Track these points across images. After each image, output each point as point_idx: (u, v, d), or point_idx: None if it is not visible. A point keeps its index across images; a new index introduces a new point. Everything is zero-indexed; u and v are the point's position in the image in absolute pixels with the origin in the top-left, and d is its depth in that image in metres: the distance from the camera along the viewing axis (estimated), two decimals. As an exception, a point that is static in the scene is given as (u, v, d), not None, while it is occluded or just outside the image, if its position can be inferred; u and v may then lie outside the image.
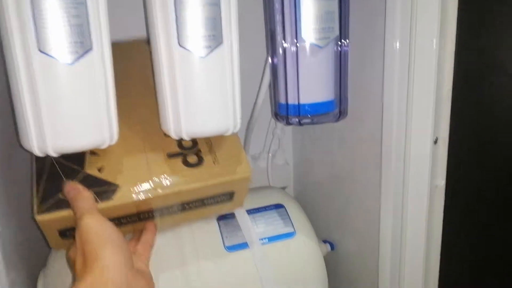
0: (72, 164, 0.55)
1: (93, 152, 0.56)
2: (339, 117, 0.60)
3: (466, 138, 0.56)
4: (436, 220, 0.58)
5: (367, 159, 0.67)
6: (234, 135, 0.60)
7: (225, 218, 0.69)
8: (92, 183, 0.54)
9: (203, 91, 0.50)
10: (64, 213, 0.51)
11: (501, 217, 0.54)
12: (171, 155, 0.58)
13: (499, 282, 0.56)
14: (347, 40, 0.58)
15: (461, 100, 0.54)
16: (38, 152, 0.47)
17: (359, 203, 0.73)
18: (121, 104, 0.52)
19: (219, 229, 0.67)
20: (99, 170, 0.56)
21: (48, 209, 0.51)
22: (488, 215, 0.56)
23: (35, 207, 0.51)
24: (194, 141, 0.60)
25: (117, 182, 0.55)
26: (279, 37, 0.55)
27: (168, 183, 0.56)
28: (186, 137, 0.52)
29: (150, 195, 0.54)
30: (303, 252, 0.68)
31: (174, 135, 0.53)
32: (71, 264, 0.48)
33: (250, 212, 0.70)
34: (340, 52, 0.57)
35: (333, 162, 0.78)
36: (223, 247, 0.64)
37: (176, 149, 0.59)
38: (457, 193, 0.57)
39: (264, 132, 0.86)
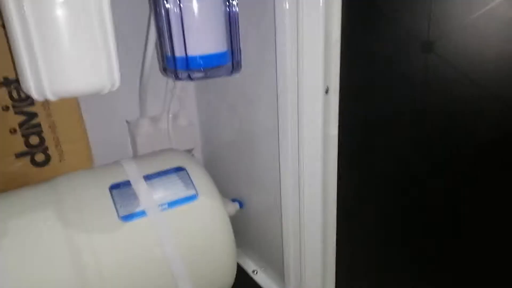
0: None
1: None
2: (232, 70, 0.56)
3: (358, 88, 0.57)
4: (331, 170, 0.59)
5: (266, 113, 0.65)
6: (80, 124, 0.69)
7: (119, 187, 0.63)
8: None
9: (66, 40, 0.42)
10: None
11: (392, 164, 0.57)
12: (19, 155, 0.64)
13: (388, 220, 0.60)
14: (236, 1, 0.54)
15: (351, 50, 0.54)
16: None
17: (262, 159, 0.72)
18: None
19: (112, 198, 0.61)
20: None
21: None
22: (379, 162, 0.59)
23: None
24: (42, 139, 0.66)
25: None
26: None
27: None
28: (51, 97, 0.45)
29: None
30: (207, 214, 0.66)
31: (37, 95, 0.45)
32: None
33: (147, 177, 0.65)
34: (229, 3, 0.52)
35: (237, 120, 0.76)
36: (117, 217, 0.59)
37: (23, 148, 0.64)
38: (349, 142, 0.59)
39: (163, 91, 0.80)
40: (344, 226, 0.65)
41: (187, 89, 0.82)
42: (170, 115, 0.80)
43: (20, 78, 0.46)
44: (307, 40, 0.51)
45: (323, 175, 0.59)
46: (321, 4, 0.49)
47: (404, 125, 0.56)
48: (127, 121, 0.81)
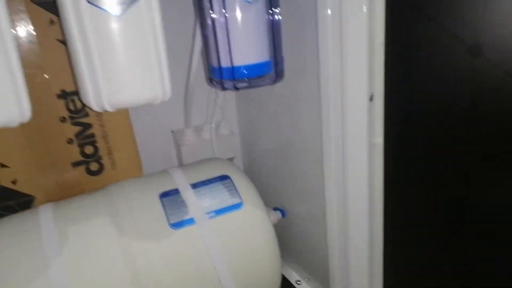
0: None
1: (3, 165, 0.62)
2: (275, 79, 0.57)
3: (402, 94, 0.56)
4: (376, 178, 0.58)
5: (308, 122, 0.66)
6: (130, 134, 0.72)
7: (168, 195, 0.65)
8: (9, 195, 0.64)
9: (123, 55, 0.45)
10: None
11: (439, 171, 0.55)
12: (75, 164, 0.68)
13: (438, 230, 0.58)
14: (278, 8, 0.55)
15: (395, 57, 0.53)
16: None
17: (305, 168, 0.72)
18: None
19: (162, 206, 0.63)
20: (13, 182, 0.64)
21: None
22: (426, 170, 0.57)
23: None
24: (96, 148, 0.69)
25: (32, 193, 0.65)
26: (205, -6, 0.51)
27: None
28: (109, 108, 0.48)
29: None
30: (251, 222, 0.66)
31: (96, 107, 0.48)
32: None
33: (194, 186, 0.67)
34: (272, 11, 0.54)
35: (278, 128, 0.76)
36: (168, 225, 0.61)
37: (79, 157, 0.68)
38: (395, 150, 0.58)
39: (206, 102, 0.82)
40: (391, 235, 0.63)
41: (228, 98, 0.84)
42: (213, 125, 0.82)
43: (80, 91, 0.50)
44: (351, 45, 0.51)
45: (369, 184, 0.58)
46: (364, 8, 0.49)
47: (452, 132, 0.54)
48: (172, 131, 0.84)
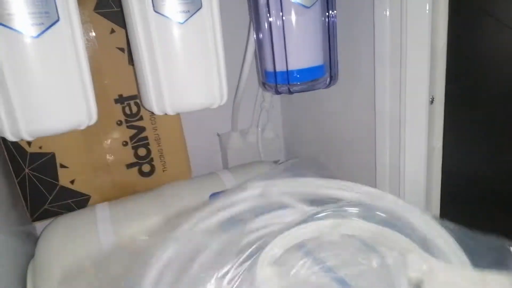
0: (48, 178, 0.66)
1: (63, 166, 0.66)
2: (329, 82, 0.57)
3: (463, 98, 0.54)
4: (434, 184, 0.56)
5: (359, 126, 0.65)
6: (181, 137, 0.74)
7: (218, 195, 0.66)
8: (67, 194, 0.68)
9: (185, 61, 0.47)
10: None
11: (500, 178, 0.53)
12: (129, 166, 0.71)
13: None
14: (335, 11, 0.55)
15: (456, 60, 0.52)
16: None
17: (353, 174, 0.71)
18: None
19: (212, 207, 0.64)
20: (71, 182, 0.68)
21: (38, 218, 0.67)
22: (486, 176, 0.55)
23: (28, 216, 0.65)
24: (148, 151, 0.72)
25: (89, 192, 0.69)
26: (261, -2, 0.52)
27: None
28: (171, 112, 0.49)
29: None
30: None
31: (157, 111, 0.50)
32: None
33: (243, 188, 0.68)
34: (328, 14, 0.54)
35: (324, 132, 0.76)
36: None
37: (133, 159, 0.72)
38: (454, 155, 0.56)
39: (252, 106, 0.83)
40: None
41: (273, 101, 0.84)
42: (259, 128, 0.82)
43: (142, 96, 0.52)
44: (411, 47, 0.50)
45: (426, 191, 0.56)
46: (427, 9, 0.48)
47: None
48: (218, 134, 0.85)
